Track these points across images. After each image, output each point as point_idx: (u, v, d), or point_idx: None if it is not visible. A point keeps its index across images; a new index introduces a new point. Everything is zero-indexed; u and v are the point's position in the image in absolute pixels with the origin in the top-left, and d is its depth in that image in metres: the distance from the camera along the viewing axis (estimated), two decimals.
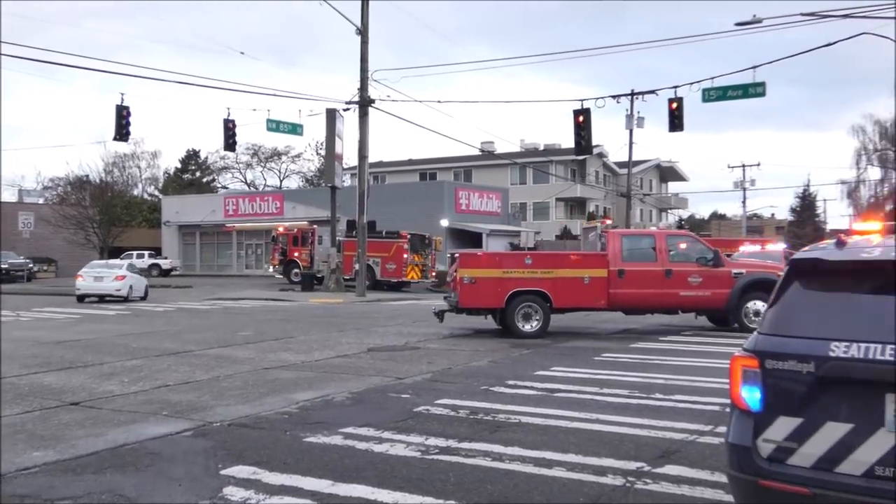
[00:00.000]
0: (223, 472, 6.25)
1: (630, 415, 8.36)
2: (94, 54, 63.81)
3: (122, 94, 27.92)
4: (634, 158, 46.19)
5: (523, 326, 16.50)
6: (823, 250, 4.41)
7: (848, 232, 4.74)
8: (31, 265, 47.73)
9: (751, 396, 4.09)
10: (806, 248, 4.76)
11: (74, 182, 49.72)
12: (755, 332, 4.31)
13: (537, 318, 16.54)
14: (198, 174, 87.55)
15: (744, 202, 67.66)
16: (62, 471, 6.33)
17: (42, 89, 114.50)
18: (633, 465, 6.37)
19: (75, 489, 5.84)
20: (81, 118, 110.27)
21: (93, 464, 6.53)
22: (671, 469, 6.25)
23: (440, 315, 17.70)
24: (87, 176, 46.55)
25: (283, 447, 7.04)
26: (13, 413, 8.59)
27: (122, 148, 44.40)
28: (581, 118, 27.87)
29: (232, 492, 5.74)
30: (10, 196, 66.91)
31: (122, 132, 28.18)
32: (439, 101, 63.10)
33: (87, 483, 5.99)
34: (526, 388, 10.13)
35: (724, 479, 5.62)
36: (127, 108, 27.89)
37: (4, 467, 6.37)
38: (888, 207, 44.74)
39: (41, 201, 61.66)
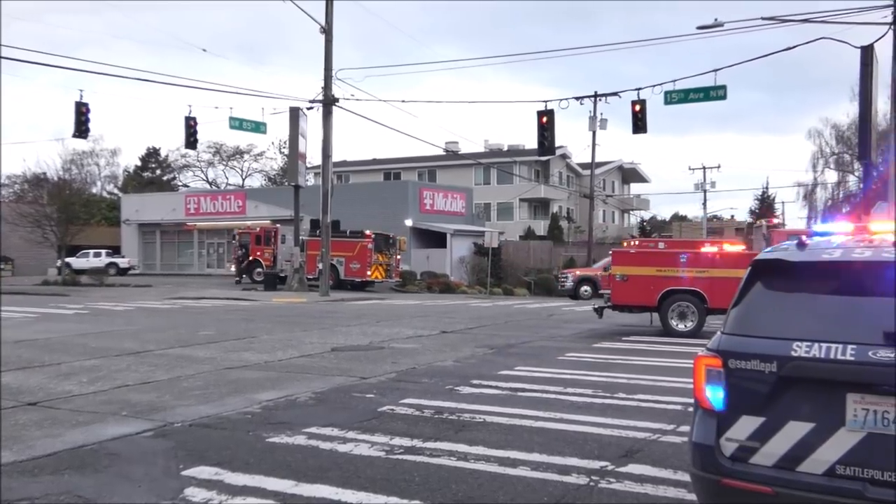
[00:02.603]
0: (184, 472, 6.16)
1: (594, 414, 8.42)
2: (55, 50, 62.69)
3: (81, 91, 27.55)
4: (597, 160, 46.58)
5: (677, 326, 16.63)
6: (785, 251, 4.47)
7: (808, 233, 4.82)
8: None
9: (714, 396, 4.13)
10: (768, 249, 4.83)
11: (31, 179, 48.64)
12: (718, 332, 4.36)
13: (692, 317, 16.61)
14: (158, 172, 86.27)
15: (704, 204, 68.43)
16: (19, 472, 6.19)
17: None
18: (596, 465, 6.41)
19: (32, 490, 5.71)
20: (39, 115, 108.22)
21: (51, 465, 6.40)
22: (634, 468, 6.30)
23: (599, 311, 18.05)
24: (45, 173, 45.47)
25: (246, 447, 6.96)
26: None
27: (80, 145, 43.56)
28: (545, 119, 28.01)
29: (193, 492, 5.66)
30: None
31: (81, 129, 27.77)
32: (403, 101, 63.16)
33: (45, 484, 5.87)
34: (491, 387, 10.15)
35: (687, 478, 5.68)
36: (86, 104, 27.48)
37: None
38: (844, 210, 45.68)
39: None
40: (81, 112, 27.47)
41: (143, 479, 6.01)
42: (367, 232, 38.16)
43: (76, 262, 48.45)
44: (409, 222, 45.84)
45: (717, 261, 17.07)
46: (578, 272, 36.42)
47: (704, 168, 67.23)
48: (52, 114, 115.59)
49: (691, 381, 4.42)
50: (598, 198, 53.76)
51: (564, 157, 67.90)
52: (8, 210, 45.39)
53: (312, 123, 34.38)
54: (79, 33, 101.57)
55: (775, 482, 3.83)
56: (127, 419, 8.17)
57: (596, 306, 18.57)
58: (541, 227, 62.35)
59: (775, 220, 21.84)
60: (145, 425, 7.86)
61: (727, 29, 25.04)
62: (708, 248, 17.42)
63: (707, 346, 4.30)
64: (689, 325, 16.65)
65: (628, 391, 9.84)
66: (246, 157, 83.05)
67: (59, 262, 45.22)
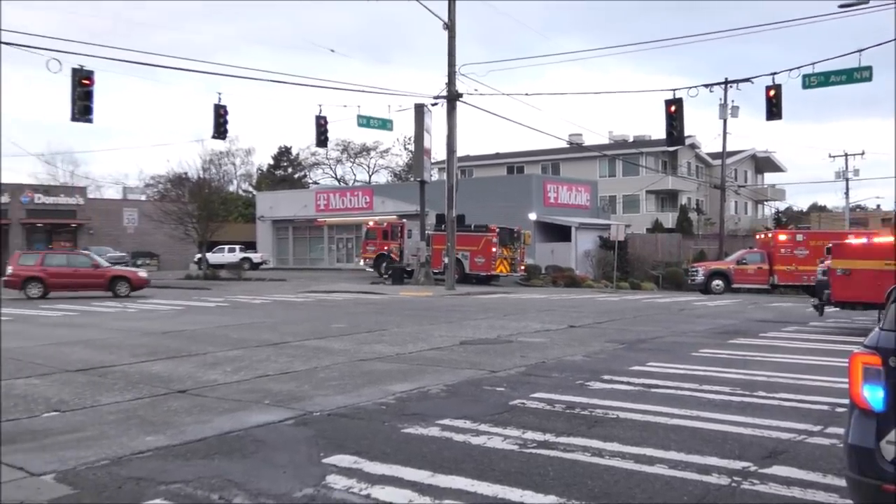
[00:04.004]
0: (325, 460, 6.37)
1: (732, 412, 8.14)
2: (193, 56, 66.03)
3: (220, 94, 28.86)
4: (728, 149, 44.88)
5: None
6: None
7: None
8: (126, 258, 49.94)
9: (873, 396, 3.91)
10: None
11: (174, 179, 51.52)
12: (876, 329, 4.13)
13: None
14: (290, 170, 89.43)
15: (846, 193, 64.93)
16: (173, 455, 6.57)
17: (144, 90, 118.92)
18: (738, 465, 6.19)
19: (186, 473, 6.05)
20: (181, 117, 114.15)
21: (201, 449, 6.76)
22: (779, 470, 6.05)
23: (819, 308, 17.63)
24: (186, 173, 48.08)
25: (382, 437, 7.13)
26: (126, 399, 8.98)
27: (218, 146, 45.86)
28: (673, 108, 27.25)
29: (335, 480, 5.85)
30: (114, 193, 70.21)
31: (219, 130, 29.06)
32: (527, 94, 62.36)
33: (197, 468, 6.20)
34: (622, 383, 9.99)
35: (837, 481, 5.43)
36: (224, 107, 28.73)
37: (119, 451, 6.67)
38: None
39: (143, 198, 64.32)
40: (220, 114, 28.77)
41: (286, 466, 6.25)
42: (492, 226, 38.23)
43: (212, 257, 50.90)
44: (533, 216, 45.62)
45: None
46: (710, 265, 35.31)
47: (846, 155, 63.85)
48: (190, 116, 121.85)
49: (836, 379, 4.24)
50: (729, 188, 51.88)
51: (693, 146, 65.79)
52: (153, 208, 48.25)
53: (437, 119, 34.77)
54: (213, 39, 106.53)
55: None
56: (269, 407, 8.52)
57: (815, 303, 17.81)
58: (669, 219, 60.71)
59: None
60: (286, 414, 8.18)
61: (871, 7, 23.66)
62: None
63: (864, 342, 4.08)
64: None
65: (768, 389, 9.45)
66: (372, 153, 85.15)
67: (197, 257, 47.63)
